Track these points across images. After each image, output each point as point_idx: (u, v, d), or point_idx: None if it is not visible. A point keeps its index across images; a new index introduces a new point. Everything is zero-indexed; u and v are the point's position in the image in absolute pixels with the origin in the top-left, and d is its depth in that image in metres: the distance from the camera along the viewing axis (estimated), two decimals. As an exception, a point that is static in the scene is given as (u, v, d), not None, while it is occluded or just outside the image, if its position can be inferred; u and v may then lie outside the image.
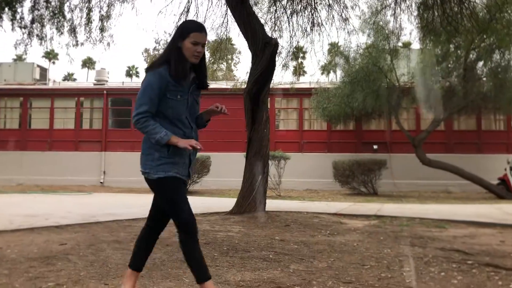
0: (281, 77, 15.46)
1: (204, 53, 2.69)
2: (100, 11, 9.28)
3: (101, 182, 18.23)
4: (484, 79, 14.45)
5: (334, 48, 16.56)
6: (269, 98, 8.91)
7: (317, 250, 4.63)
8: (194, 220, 2.70)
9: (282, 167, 13.94)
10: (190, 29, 2.60)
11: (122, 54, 62.22)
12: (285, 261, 4.12)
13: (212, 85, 21.10)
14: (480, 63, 14.54)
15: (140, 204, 9.71)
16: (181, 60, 2.59)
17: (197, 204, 9.85)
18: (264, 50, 7.61)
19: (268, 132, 7.82)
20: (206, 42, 2.66)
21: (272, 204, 8.84)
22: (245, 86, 8.19)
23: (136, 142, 18.31)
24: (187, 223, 2.68)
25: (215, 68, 35.30)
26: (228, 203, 8.79)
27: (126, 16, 58.20)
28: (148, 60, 41.02)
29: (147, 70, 2.64)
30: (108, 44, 9.56)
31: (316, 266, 3.94)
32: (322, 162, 16.96)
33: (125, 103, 19.27)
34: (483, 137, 17.79)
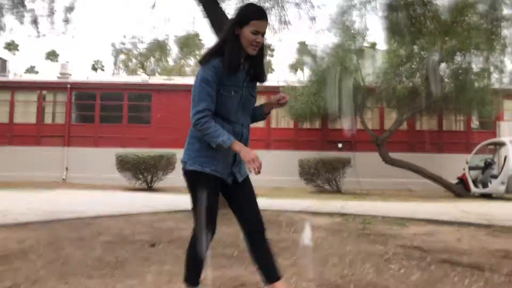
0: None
1: (263, 42, 2.40)
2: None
3: (63, 179, 17.79)
4: (446, 80, 14.89)
5: (302, 47, 16.69)
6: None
7: (282, 247, 4.66)
8: (207, 235, 2.55)
9: (249, 165, 13.96)
10: (250, 16, 2.32)
11: (87, 48, 60.87)
12: (249, 259, 4.12)
13: (180, 80, 20.94)
14: (443, 65, 14.97)
15: (103, 202, 9.57)
16: (237, 51, 2.32)
17: (162, 201, 9.78)
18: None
19: (235, 130, 7.81)
20: (265, 30, 2.36)
21: (238, 202, 8.84)
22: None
23: (101, 138, 18.01)
24: (196, 238, 2.57)
25: (182, 63, 35.02)
26: (193, 200, 8.75)
27: (92, 9, 56.82)
28: (115, 55, 40.23)
29: (200, 62, 2.41)
30: (73, 36, 9.34)
31: (280, 264, 3.95)
32: (289, 159, 17.09)
33: (90, 97, 18.87)
34: (444, 137, 18.34)
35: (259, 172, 2.23)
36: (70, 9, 9.07)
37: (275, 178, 16.95)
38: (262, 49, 2.41)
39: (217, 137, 2.28)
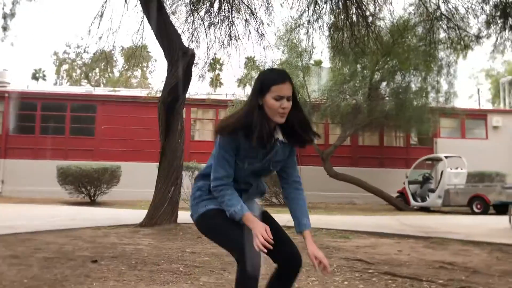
0: (198, 88, 15.41)
1: (297, 103, 2.16)
2: (3, 8, 8.67)
3: (-2, 192, 16.86)
4: (387, 98, 15.53)
5: (250, 62, 16.87)
6: (184, 108, 8.84)
7: (228, 262, 4.64)
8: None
9: (196, 178, 13.83)
10: (270, 82, 2.09)
11: (28, 56, 58.27)
12: (195, 274, 4.09)
13: (126, 92, 20.54)
14: (384, 83, 15.62)
15: (43, 216, 9.13)
16: (265, 123, 2.08)
17: (105, 216, 9.47)
18: (180, 60, 7.58)
19: (182, 143, 7.76)
20: (290, 93, 2.10)
21: (184, 216, 8.68)
22: (160, 95, 8.07)
23: (42, 149, 17.25)
24: (242, 253, 2.02)
25: (129, 75, 34.39)
26: (138, 215, 8.55)
27: (34, 17, 54.62)
28: (57, 64, 38.87)
29: (218, 132, 2.15)
30: (12, 43, 8.96)
31: (226, 278, 3.96)
32: (235, 173, 17.10)
33: (30, 107, 18.06)
34: (385, 152, 19.05)
35: (263, 250, 1.95)
36: (10, 15, 8.72)
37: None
38: (296, 111, 2.14)
39: (231, 206, 2.09)
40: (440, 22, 9.00)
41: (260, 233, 1.96)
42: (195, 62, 8.24)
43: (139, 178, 16.00)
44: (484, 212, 13.07)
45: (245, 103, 2.18)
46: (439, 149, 18.68)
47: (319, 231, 7.51)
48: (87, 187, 14.12)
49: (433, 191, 14.64)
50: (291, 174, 2.31)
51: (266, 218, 2.24)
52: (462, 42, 9.26)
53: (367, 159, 18.64)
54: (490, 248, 5.97)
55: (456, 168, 14.78)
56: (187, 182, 12.36)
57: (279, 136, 2.19)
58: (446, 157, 14.80)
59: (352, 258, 5.03)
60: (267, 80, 2.11)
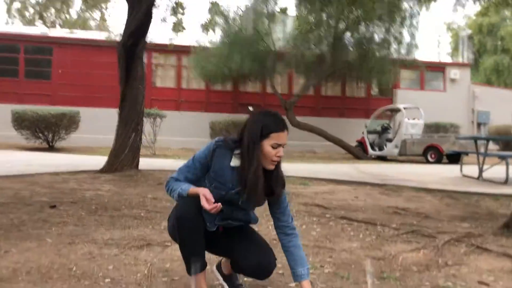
0: (159, 32, 14.87)
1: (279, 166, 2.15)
2: None
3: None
4: (351, 49, 15.55)
5: (214, 7, 16.37)
6: (145, 53, 8.58)
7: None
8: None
9: (158, 125, 13.68)
10: (270, 128, 2.04)
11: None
12: (156, 219, 4.12)
13: (84, 35, 19.64)
14: (348, 34, 15.59)
15: (-3, 161, 8.87)
16: (260, 167, 2.05)
17: (64, 161, 9.29)
18: (141, 1, 7.27)
19: (143, 89, 7.58)
20: (286, 141, 2.09)
21: (146, 162, 8.68)
22: (120, 38, 7.77)
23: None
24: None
25: (87, 16, 32.78)
26: (98, 161, 8.42)
27: None
28: (8, 2, 36.47)
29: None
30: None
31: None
32: (199, 121, 17.00)
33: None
34: (346, 103, 19.33)
35: (210, 209, 1.94)
36: None
37: (184, 139, 16.85)
38: (279, 163, 2.14)
39: (176, 188, 2.07)
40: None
41: (203, 193, 1.95)
42: (156, 4, 7.92)
43: (99, 124, 15.66)
44: (438, 161, 13.63)
45: (246, 141, 2.07)
46: (398, 100, 19.10)
47: (280, 178, 7.65)
48: (45, 132, 13.71)
49: (390, 140, 15.08)
50: (280, 219, 2.24)
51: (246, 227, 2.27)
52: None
53: (329, 109, 18.87)
54: (441, 195, 6.29)
55: (414, 119, 15.21)
56: (148, 129, 12.23)
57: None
58: (404, 108, 15.16)
59: (311, 203, 5.19)
60: (266, 126, 2.06)
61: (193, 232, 1.98)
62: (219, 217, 2.15)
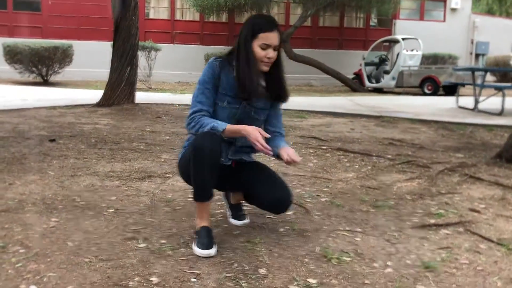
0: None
1: (279, 57, 2.14)
2: None
3: None
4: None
5: None
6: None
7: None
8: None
9: (153, 59, 13.43)
10: (258, 27, 2.05)
11: None
12: (156, 152, 4.18)
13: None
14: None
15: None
16: (251, 66, 2.07)
17: (60, 96, 9.23)
18: None
19: (137, 20, 7.36)
20: (280, 43, 2.09)
21: (142, 96, 8.65)
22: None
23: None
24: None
25: None
26: (94, 95, 8.38)
27: None
28: None
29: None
30: None
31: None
32: (194, 54, 16.69)
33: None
34: (344, 34, 18.90)
35: (262, 150, 1.97)
36: None
37: (180, 72, 16.65)
38: (278, 66, 2.16)
39: (207, 124, 2.03)
40: None
41: (256, 139, 1.95)
42: None
43: (93, 57, 15.35)
44: (434, 93, 13.61)
45: (237, 44, 2.11)
46: (397, 31, 18.68)
47: (277, 111, 7.67)
48: (38, 66, 13.48)
49: (388, 72, 14.94)
50: (275, 125, 2.28)
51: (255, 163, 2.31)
52: None
53: (327, 41, 18.49)
54: (437, 126, 6.36)
55: (412, 50, 14.98)
56: (143, 62, 12.04)
57: (262, 82, 2.17)
58: (403, 39, 14.88)
59: (307, 136, 5.25)
60: (256, 24, 2.07)
61: (211, 164, 1.97)
62: (233, 149, 2.21)
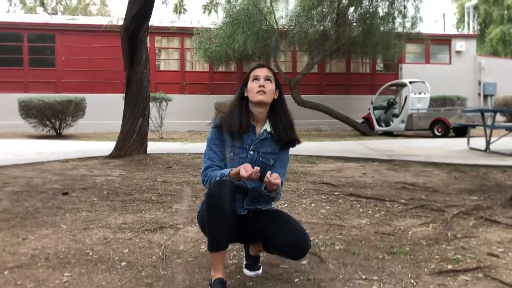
0: (161, 15, 14.72)
1: (284, 102, 2.33)
2: None
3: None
4: (354, 24, 15.37)
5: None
6: (148, 37, 8.54)
7: (199, 189, 4.75)
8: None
9: (164, 109, 13.70)
10: (250, 71, 2.34)
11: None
12: (167, 202, 4.18)
13: (86, 20, 19.52)
14: (351, 9, 15.38)
15: (7, 150, 8.93)
16: (237, 109, 2.27)
17: (72, 148, 9.37)
18: (141, -15, 7.21)
19: (148, 73, 7.57)
20: (271, 76, 2.29)
21: (154, 146, 8.75)
22: (122, 23, 7.74)
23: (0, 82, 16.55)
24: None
25: (88, 2, 32.55)
26: (107, 146, 8.50)
27: None
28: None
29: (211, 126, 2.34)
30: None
31: (198, 204, 4.07)
32: (204, 103, 16.98)
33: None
34: (351, 79, 19.18)
35: (252, 174, 2.00)
36: None
37: (190, 121, 16.87)
38: (284, 111, 2.31)
39: (218, 173, 2.16)
40: None
41: (243, 166, 2.04)
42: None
43: (105, 110, 15.69)
44: (445, 135, 13.59)
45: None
46: (404, 75, 18.93)
47: (288, 157, 7.68)
48: (52, 120, 13.78)
49: (397, 116, 15.02)
50: (276, 167, 2.29)
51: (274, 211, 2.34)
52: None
53: (334, 86, 18.75)
54: (449, 169, 6.31)
55: (420, 93, 15.10)
56: (154, 113, 12.25)
57: (267, 127, 2.29)
58: (410, 82, 15.05)
59: (319, 181, 5.23)
60: (249, 71, 2.35)
61: (222, 211, 2.00)
62: (248, 199, 2.26)
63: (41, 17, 21.91)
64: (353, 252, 2.76)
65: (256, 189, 2.23)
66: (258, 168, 2.02)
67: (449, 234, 3.11)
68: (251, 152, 2.25)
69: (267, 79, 2.27)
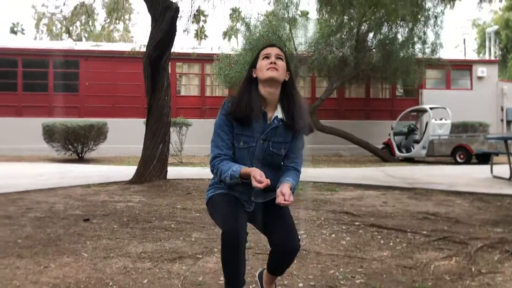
0: (182, 42, 15.04)
1: (295, 88, 2.23)
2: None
3: (-17, 150, 16.68)
4: (374, 50, 15.42)
5: (235, 13, 16.50)
6: (169, 63, 8.71)
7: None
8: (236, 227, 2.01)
9: (184, 134, 13.85)
10: (259, 51, 2.24)
11: (4, 10, 55.80)
12: (187, 230, 4.19)
13: (109, 47, 20.02)
14: (371, 35, 15.46)
15: (31, 174, 9.13)
16: (248, 92, 2.14)
17: (94, 173, 9.51)
18: (164, 14, 7.40)
19: (169, 100, 7.71)
20: (282, 55, 2.19)
21: (173, 172, 8.82)
22: (145, 50, 7.92)
23: (26, 107, 17.00)
24: (226, 231, 1.99)
25: (111, 28, 33.44)
26: (127, 171, 8.60)
27: (7, -34, 51.87)
28: (36, 18, 37.64)
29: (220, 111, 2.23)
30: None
31: (218, 234, 4.04)
32: (223, 128, 17.10)
33: (11, 64, 17.59)
34: (371, 104, 19.13)
35: (262, 187, 1.94)
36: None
37: (209, 146, 16.94)
38: (294, 96, 2.19)
39: (228, 170, 2.07)
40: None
41: (253, 174, 1.96)
42: (180, 16, 8.05)
43: (126, 134, 15.96)
44: (467, 161, 13.37)
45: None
46: (424, 100, 18.82)
47: (306, 184, 7.65)
48: (74, 144, 14.05)
49: (417, 142, 14.88)
50: (290, 157, 2.24)
51: (277, 206, 2.19)
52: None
53: (354, 112, 18.72)
54: (472, 198, 6.18)
55: (441, 119, 14.96)
56: (174, 138, 12.38)
57: (278, 114, 2.17)
58: (431, 108, 14.94)
59: (339, 211, 5.18)
60: (258, 52, 2.23)
61: (235, 251, 1.97)
62: (256, 191, 2.15)
63: (66, 43, 22.56)
64: (374, 287, 2.71)
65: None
66: (268, 180, 1.94)
67: (473, 269, 3.03)
68: (262, 142, 2.15)
69: (278, 57, 2.16)
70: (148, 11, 7.58)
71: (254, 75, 2.17)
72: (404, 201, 5.95)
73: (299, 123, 2.16)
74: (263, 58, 2.16)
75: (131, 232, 4.09)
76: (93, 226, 4.32)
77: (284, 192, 1.99)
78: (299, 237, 2.18)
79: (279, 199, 1.97)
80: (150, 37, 7.68)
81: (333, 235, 4.01)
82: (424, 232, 4.10)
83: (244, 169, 2.04)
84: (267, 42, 14.53)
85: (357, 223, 4.48)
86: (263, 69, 2.12)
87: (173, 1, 7.69)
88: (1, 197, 6.04)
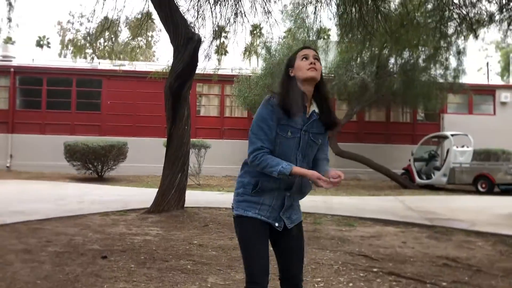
0: (204, 66, 15.21)
1: (327, 92, 2.41)
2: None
3: (7, 166, 17.03)
4: (395, 75, 15.33)
5: (256, 30, 16.58)
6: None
7: (234, 257, 4.73)
8: (264, 279, 2.25)
9: (202, 156, 13.93)
10: (296, 52, 2.38)
11: (31, 26, 57.37)
12: (203, 273, 4.18)
13: (132, 67, 20.36)
14: (392, 60, 15.39)
15: (51, 197, 9.23)
16: (292, 88, 2.27)
17: (113, 197, 9.58)
18: (186, 45, 7.51)
19: (189, 129, 7.77)
20: (318, 57, 2.34)
21: (191, 198, 8.82)
22: (166, 79, 8.03)
23: (49, 125, 17.34)
24: (252, 282, 2.25)
25: (134, 45, 34.01)
26: (146, 196, 8.65)
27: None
28: (61, 33, 38.64)
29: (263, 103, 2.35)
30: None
31: (233, 278, 4.05)
32: (242, 148, 17.15)
33: (36, 82, 18.01)
34: (391, 128, 18.96)
35: (331, 184, 2.14)
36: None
37: (227, 166, 17.02)
38: (327, 99, 2.37)
39: (276, 165, 2.17)
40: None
41: (317, 177, 2.12)
42: (202, 47, 8.16)
43: (146, 153, 16.14)
44: (489, 191, 13.10)
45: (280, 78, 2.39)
46: (445, 125, 18.58)
47: (324, 217, 7.60)
48: (94, 163, 14.24)
49: (438, 169, 14.65)
50: (323, 149, 2.43)
51: (297, 233, 2.39)
52: (472, 23, 9.08)
53: (373, 135, 18.58)
54: (494, 240, 6.05)
55: (462, 146, 14.74)
56: (193, 159, 12.46)
57: (314, 108, 2.35)
58: (452, 135, 14.74)
59: (357, 252, 5.11)
60: (294, 53, 2.39)
61: None
62: (286, 207, 2.32)
63: (89, 63, 23.00)
64: None
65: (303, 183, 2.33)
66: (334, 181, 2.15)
67: (495, 334, 2.95)
68: (304, 132, 2.29)
69: (316, 58, 2.30)
70: (171, 42, 7.69)
71: (292, 74, 2.31)
72: (424, 242, 5.85)
73: (330, 118, 2.36)
74: (302, 59, 2.30)
75: (147, 273, 4.10)
76: (111, 264, 4.35)
77: (333, 174, 2.18)
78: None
79: (335, 180, 2.15)
80: (172, 67, 7.78)
81: (351, 284, 3.96)
82: (444, 283, 4.01)
83: (296, 168, 2.17)
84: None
85: (375, 270, 4.41)
86: (303, 69, 2.27)
87: (196, 33, 7.79)
88: (23, 226, 6.14)
